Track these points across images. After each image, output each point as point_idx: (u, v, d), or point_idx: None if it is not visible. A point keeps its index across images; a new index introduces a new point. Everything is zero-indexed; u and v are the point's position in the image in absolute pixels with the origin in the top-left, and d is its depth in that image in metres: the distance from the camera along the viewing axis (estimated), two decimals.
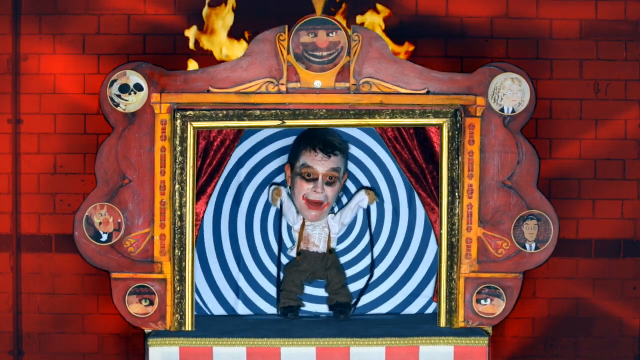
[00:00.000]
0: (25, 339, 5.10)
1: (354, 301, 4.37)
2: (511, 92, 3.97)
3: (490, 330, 4.05)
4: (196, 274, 4.21)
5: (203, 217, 4.28)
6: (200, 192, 4.19)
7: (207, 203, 4.27)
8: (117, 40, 5.04)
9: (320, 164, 4.22)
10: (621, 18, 5.02)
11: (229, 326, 4.11)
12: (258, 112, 3.97)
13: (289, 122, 3.99)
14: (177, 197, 3.97)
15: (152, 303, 3.99)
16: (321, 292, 4.38)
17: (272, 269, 4.42)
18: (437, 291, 4.22)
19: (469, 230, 4.00)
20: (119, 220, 3.97)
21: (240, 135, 4.25)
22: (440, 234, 4.04)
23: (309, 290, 4.38)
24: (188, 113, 3.96)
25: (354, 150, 4.42)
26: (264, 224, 4.44)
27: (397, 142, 4.25)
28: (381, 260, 4.44)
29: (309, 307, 4.38)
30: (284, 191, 4.32)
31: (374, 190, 4.38)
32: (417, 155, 4.23)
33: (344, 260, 4.41)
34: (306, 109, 3.97)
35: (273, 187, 4.33)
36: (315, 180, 4.23)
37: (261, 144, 4.41)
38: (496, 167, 3.99)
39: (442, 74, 4.00)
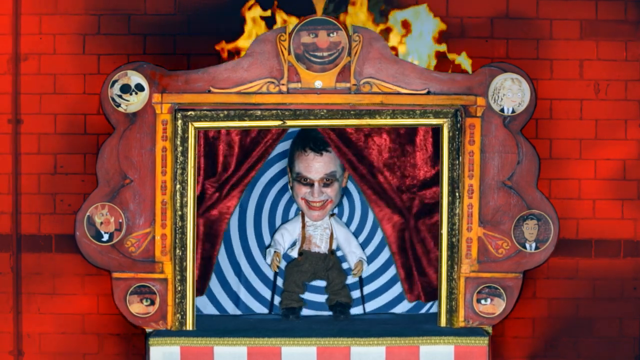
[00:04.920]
0: (25, 339, 5.10)
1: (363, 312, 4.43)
2: (511, 92, 3.97)
3: (490, 329, 4.05)
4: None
5: (233, 210, 4.32)
6: (235, 186, 4.24)
7: (239, 198, 4.30)
8: (117, 40, 5.04)
9: (313, 169, 4.23)
10: (621, 18, 5.02)
11: (230, 326, 4.11)
12: (259, 112, 3.98)
13: (289, 122, 4.00)
14: (178, 197, 3.98)
15: (152, 302, 4.00)
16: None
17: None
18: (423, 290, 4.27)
19: (469, 230, 4.00)
20: (120, 220, 3.98)
21: (284, 134, 4.26)
22: (440, 234, 4.04)
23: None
24: (189, 113, 3.97)
25: None
26: (272, 219, 4.48)
27: (339, 144, 4.25)
28: (374, 258, 4.46)
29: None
30: (282, 253, 4.36)
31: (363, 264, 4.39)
32: (366, 155, 4.24)
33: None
34: (307, 109, 3.98)
35: (271, 250, 4.33)
36: (312, 185, 4.25)
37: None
38: (496, 167, 4.00)
39: (442, 74, 4.00)
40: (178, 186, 3.98)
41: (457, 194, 4.01)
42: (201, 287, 4.33)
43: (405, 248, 4.33)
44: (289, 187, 4.39)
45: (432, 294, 4.32)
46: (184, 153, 3.98)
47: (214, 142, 4.25)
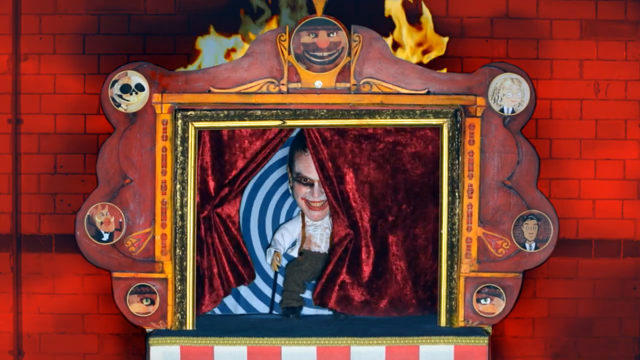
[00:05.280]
0: (25, 339, 5.10)
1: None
2: (511, 92, 3.98)
3: (490, 329, 4.06)
4: None
5: (239, 208, 4.32)
6: (242, 184, 4.24)
7: (241, 197, 4.33)
8: (117, 40, 5.04)
9: (313, 169, 4.22)
10: (621, 18, 5.02)
11: (230, 325, 4.12)
12: (259, 112, 3.98)
13: (289, 122, 4.00)
14: (178, 196, 3.98)
15: (153, 302, 4.00)
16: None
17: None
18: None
19: (468, 229, 4.00)
20: (120, 220, 3.98)
21: (290, 134, 4.24)
22: (440, 234, 4.05)
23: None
24: (189, 113, 3.97)
25: None
26: (262, 219, 4.49)
27: (318, 144, 4.23)
28: None
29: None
30: (282, 252, 4.37)
31: None
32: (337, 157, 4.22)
33: None
34: (307, 109, 3.98)
35: (272, 250, 4.34)
36: (312, 185, 4.25)
37: None
38: (496, 167, 4.00)
39: (442, 74, 4.01)
40: (178, 186, 3.98)
41: (457, 194, 4.01)
42: (249, 274, 4.32)
43: (343, 260, 4.27)
44: (289, 187, 4.40)
45: (345, 307, 4.27)
46: (184, 153, 3.98)
47: (228, 142, 4.23)
